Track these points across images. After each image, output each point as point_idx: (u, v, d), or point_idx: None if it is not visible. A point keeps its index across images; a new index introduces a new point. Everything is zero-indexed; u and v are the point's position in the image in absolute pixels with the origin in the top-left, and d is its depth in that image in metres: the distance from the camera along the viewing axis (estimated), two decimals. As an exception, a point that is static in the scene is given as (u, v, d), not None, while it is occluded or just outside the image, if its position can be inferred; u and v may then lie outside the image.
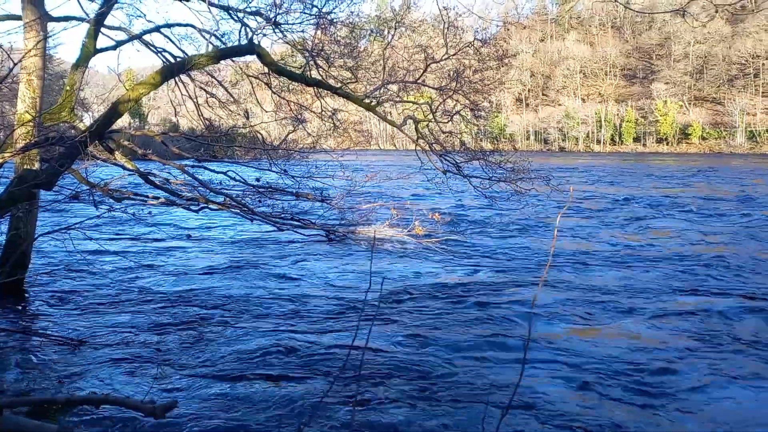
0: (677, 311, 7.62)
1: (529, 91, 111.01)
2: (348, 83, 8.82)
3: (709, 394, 5.13)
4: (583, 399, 4.93)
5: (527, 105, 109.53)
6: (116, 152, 7.20)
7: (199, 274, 9.30)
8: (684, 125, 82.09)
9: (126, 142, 7.62)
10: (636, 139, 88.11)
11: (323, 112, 9.97)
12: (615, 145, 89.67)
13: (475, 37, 7.89)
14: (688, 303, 8.03)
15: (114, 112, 6.47)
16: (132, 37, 8.75)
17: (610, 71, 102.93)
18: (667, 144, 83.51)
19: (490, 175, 8.56)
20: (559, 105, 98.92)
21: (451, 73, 8.31)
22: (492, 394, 4.87)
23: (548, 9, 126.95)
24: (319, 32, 8.92)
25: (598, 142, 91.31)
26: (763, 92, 79.09)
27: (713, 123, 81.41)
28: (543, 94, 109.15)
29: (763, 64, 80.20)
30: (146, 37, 9.00)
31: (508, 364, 5.63)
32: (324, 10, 8.70)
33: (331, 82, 9.08)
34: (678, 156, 71.17)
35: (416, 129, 8.74)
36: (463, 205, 19.36)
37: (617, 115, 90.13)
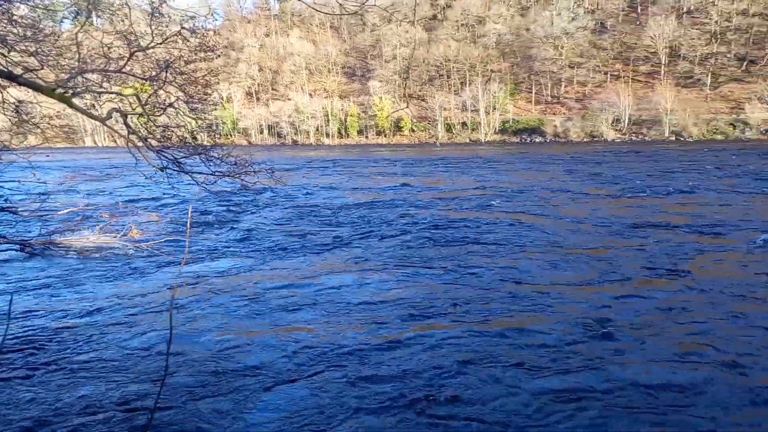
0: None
1: (259, 85, 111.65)
2: (33, 70, 7.56)
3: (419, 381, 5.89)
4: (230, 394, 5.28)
5: (258, 99, 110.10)
6: None
7: None
8: (397, 119, 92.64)
9: None
10: (360, 132, 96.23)
11: (4, 105, 8.38)
12: (342, 137, 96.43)
13: (182, 26, 7.51)
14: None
15: None
16: None
17: (333, 68, 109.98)
18: (385, 136, 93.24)
19: (213, 171, 8.34)
20: (289, 99, 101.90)
21: (161, 62, 7.79)
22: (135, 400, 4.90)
23: (271, 5, 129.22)
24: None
25: (328, 135, 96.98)
26: (455, 91, 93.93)
27: (420, 117, 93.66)
28: (273, 89, 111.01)
29: (453, 67, 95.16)
30: None
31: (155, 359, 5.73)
32: (-8, -19, 7.27)
33: (17, 69, 7.68)
34: (393, 146, 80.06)
35: (126, 123, 7.98)
36: (188, 202, 18.52)
37: (342, 109, 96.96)
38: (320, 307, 7.71)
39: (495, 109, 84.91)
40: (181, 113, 8.37)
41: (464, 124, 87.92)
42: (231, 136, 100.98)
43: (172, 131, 8.42)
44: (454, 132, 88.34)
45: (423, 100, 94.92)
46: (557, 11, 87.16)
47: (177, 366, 5.48)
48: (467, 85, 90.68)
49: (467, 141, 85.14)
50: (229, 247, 11.12)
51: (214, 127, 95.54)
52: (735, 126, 67.85)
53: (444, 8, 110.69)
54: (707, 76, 76.04)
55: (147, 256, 9.18)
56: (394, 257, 10.40)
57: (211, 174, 8.33)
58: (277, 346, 6.32)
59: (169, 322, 3.16)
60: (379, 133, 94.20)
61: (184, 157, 8.47)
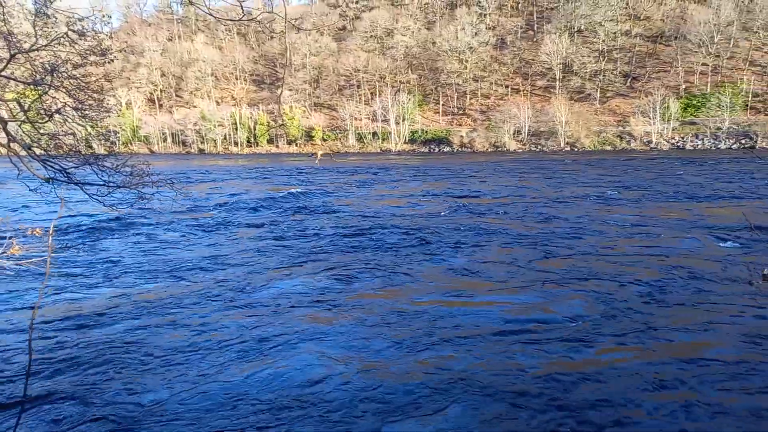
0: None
1: (161, 91, 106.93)
2: None
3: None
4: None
5: (161, 106, 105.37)
6: None
7: None
8: (308, 128, 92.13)
9: None
10: (270, 141, 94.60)
11: None
12: (251, 146, 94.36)
13: (69, 28, 7.03)
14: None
15: None
16: None
17: (241, 76, 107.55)
18: (297, 145, 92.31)
19: (107, 181, 7.83)
20: (195, 107, 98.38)
21: (46, 66, 7.24)
22: None
23: (174, 8, 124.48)
24: None
25: (236, 143, 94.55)
26: (365, 101, 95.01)
27: (331, 126, 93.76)
28: (177, 95, 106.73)
29: (363, 77, 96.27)
30: None
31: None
32: None
33: None
34: (305, 156, 79.23)
35: (5, 130, 7.33)
36: (77, 215, 17.33)
37: (251, 118, 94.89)
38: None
39: (404, 119, 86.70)
40: (71, 120, 7.81)
41: (375, 133, 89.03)
42: (131, 144, 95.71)
43: (61, 139, 7.83)
44: (365, 142, 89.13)
45: (334, 109, 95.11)
46: (461, 26, 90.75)
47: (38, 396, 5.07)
48: (377, 95, 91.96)
49: (378, 150, 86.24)
50: (116, 266, 10.51)
51: (112, 135, 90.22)
52: (621, 137, 73.82)
53: (353, 19, 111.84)
54: (596, 91, 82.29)
55: (29, 274, 8.46)
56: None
57: (104, 185, 7.82)
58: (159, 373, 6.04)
59: (29, 348, 2.92)
60: (290, 142, 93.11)
61: (74, 167, 7.89)
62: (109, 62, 7.71)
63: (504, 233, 14.11)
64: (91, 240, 13.03)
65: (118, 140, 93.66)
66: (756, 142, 65.20)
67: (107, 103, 8.77)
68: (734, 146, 65.80)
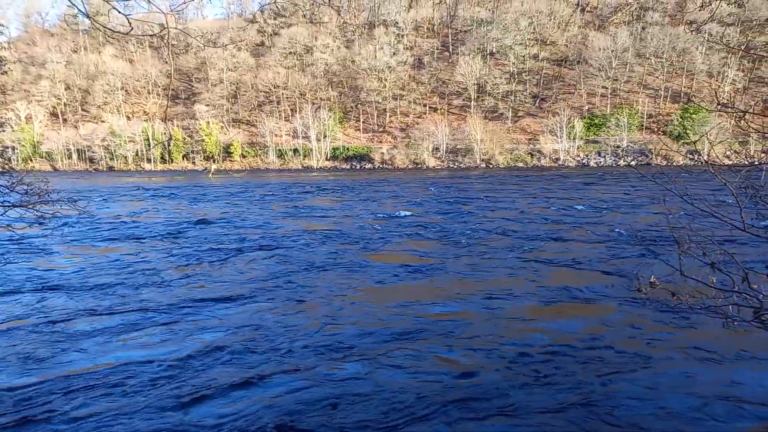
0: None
1: (65, 105, 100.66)
2: None
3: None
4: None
5: (65, 120, 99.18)
6: None
7: None
8: (226, 144, 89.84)
9: None
10: (185, 157, 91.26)
11: None
12: (166, 163, 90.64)
13: (-44, 36, 6.54)
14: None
15: None
16: None
17: (153, 90, 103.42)
18: (214, 161, 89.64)
19: (1, 201, 7.30)
20: (103, 122, 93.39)
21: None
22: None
23: (80, 19, 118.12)
24: None
25: (149, 160, 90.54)
26: (285, 117, 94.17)
27: (250, 143, 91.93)
28: (83, 110, 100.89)
29: (283, 93, 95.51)
30: None
31: None
32: None
33: None
34: (222, 173, 77.05)
35: None
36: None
37: (165, 133, 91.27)
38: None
39: (325, 136, 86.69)
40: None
41: (296, 150, 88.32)
42: (31, 160, 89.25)
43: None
44: (286, 158, 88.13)
45: (253, 125, 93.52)
46: (379, 46, 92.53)
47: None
48: (297, 112, 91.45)
49: (300, 167, 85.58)
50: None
51: (9, 152, 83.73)
52: (532, 155, 77.77)
53: (271, 35, 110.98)
54: (508, 110, 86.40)
55: None
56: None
57: (-2, 205, 7.29)
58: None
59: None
60: (207, 159, 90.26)
61: (-38, 186, 7.31)
62: (3, 73, 7.21)
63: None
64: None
65: (17, 157, 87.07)
66: (651, 159, 70.86)
67: (1, 117, 8.19)
68: (633, 163, 71.15)
